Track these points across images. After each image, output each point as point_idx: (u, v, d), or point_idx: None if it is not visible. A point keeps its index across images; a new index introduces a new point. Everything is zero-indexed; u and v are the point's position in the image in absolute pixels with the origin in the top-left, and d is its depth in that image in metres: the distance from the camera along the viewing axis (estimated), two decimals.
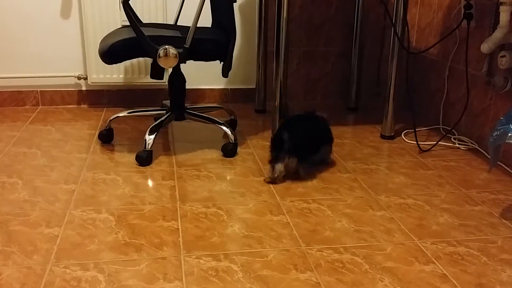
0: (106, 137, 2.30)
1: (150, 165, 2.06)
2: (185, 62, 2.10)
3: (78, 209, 1.69)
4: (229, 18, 2.10)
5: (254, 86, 2.91)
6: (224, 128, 2.21)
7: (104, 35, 2.22)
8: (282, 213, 1.71)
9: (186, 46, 2.02)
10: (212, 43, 2.10)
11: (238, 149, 2.24)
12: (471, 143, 2.33)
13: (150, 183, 1.91)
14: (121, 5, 1.94)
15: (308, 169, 1.99)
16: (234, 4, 2.11)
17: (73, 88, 2.81)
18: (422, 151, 2.27)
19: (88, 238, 1.52)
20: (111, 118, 2.29)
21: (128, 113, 2.31)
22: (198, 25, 2.04)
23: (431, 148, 2.28)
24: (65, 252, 1.45)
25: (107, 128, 2.29)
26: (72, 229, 1.57)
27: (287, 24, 2.22)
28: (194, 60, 2.13)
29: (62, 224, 1.60)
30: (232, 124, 2.47)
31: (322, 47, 2.95)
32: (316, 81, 3.01)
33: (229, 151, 2.17)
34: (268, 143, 2.33)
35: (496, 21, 2.02)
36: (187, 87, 2.27)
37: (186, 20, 2.49)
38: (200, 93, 2.92)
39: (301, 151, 1.92)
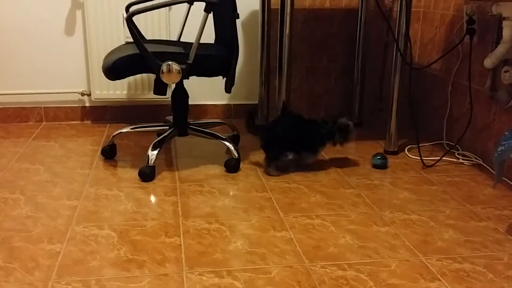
0: (109, 153, 2.29)
1: (153, 181, 2.06)
2: (188, 78, 2.10)
3: (80, 225, 1.69)
4: (232, 34, 2.11)
5: (257, 102, 2.92)
6: (227, 143, 2.21)
7: (108, 52, 2.23)
8: (285, 229, 1.69)
9: (189, 62, 2.03)
10: (215, 59, 2.11)
11: (241, 165, 2.24)
12: (475, 158, 2.32)
13: (152, 198, 1.90)
14: (125, 21, 1.95)
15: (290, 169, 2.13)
16: (237, 20, 2.12)
17: (76, 104, 2.81)
18: (426, 166, 2.25)
19: (90, 255, 1.51)
20: (114, 134, 2.29)
21: (131, 128, 2.31)
22: (201, 41, 2.05)
23: (435, 163, 2.27)
24: (67, 268, 1.44)
25: (110, 143, 2.29)
26: (74, 245, 1.56)
27: (290, 40, 2.23)
28: (197, 76, 2.13)
29: (64, 240, 1.59)
30: (235, 140, 2.47)
31: (324, 63, 2.96)
32: (319, 96, 3.01)
33: (232, 166, 2.17)
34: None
35: (499, 36, 2.02)
36: (190, 102, 2.28)
37: (189, 36, 2.51)
38: (203, 109, 2.92)
39: (272, 150, 2.12)
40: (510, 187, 2.05)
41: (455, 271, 1.46)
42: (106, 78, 2.09)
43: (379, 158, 2.22)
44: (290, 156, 2.11)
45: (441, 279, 1.43)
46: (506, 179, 2.11)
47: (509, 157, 1.55)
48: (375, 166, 2.23)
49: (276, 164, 2.12)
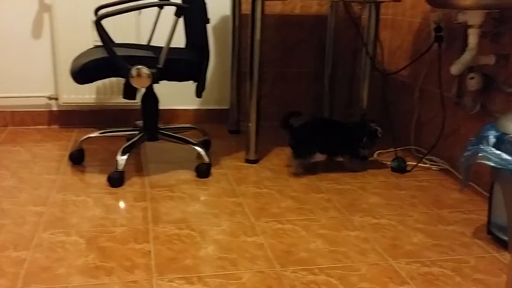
0: (77, 158, 2.25)
1: (122, 186, 2.03)
2: (158, 82, 2.09)
3: (47, 232, 1.64)
4: (203, 38, 2.10)
5: (228, 107, 2.91)
6: (198, 148, 2.20)
7: (76, 55, 2.20)
8: (256, 234, 1.69)
9: (159, 66, 2.01)
10: (185, 63, 2.10)
11: (212, 170, 2.22)
12: (443, 163, 2.37)
13: (121, 204, 1.87)
14: (94, 25, 1.93)
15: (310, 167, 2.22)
16: (208, 25, 2.11)
17: (44, 108, 2.76)
18: (403, 172, 2.28)
19: (57, 262, 1.47)
20: (82, 138, 2.25)
21: (99, 133, 2.27)
22: (171, 46, 2.03)
23: (411, 169, 2.30)
24: (33, 276, 1.40)
25: (78, 149, 2.25)
26: (41, 252, 1.52)
27: (261, 45, 2.23)
28: (168, 80, 2.12)
29: (30, 247, 1.54)
30: (205, 145, 2.45)
31: (295, 68, 2.98)
32: (289, 102, 3.02)
33: (202, 171, 2.15)
34: (242, 164, 2.33)
35: (465, 44, 2.07)
36: (160, 107, 2.25)
37: (159, 40, 2.48)
38: (173, 114, 2.90)
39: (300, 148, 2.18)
40: (476, 192, 2.10)
41: (424, 275, 1.48)
42: (74, 82, 2.05)
43: (396, 162, 2.30)
44: (318, 157, 2.18)
45: (410, 282, 1.44)
46: (472, 184, 2.15)
47: (475, 162, 1.59)
48: (393, 170, 2.30)
49: (302, 163, 2.18)
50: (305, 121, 2.23)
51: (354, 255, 1.58)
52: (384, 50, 2.86)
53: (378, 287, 1.42)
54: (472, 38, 1.97)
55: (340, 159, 2.28)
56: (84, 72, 1.99)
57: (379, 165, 2.36)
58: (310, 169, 2.23)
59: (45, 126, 2.78)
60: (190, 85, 2.82)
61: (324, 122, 2.32)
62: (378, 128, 2.24)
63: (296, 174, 2.19)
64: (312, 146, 2.18)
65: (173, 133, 2.28)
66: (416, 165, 2.34)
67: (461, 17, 2.01)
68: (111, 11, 1.91)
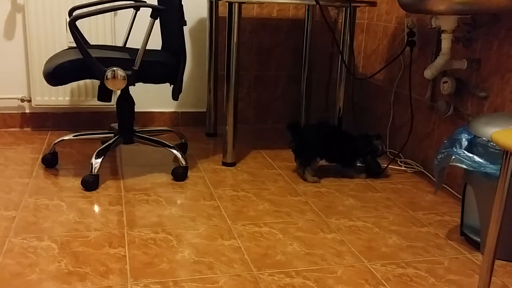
0: (50, 161, 2.21)
1: (97, 190, 2.00)
2: (134, 85, 2.06)
3: (18, 237, 1.61)
4: (179, 41, 2.09)
5: (204, 110, 2.90)
6: (174, 151, 2.18)
7: (50, 56, 2.16)
8: (233, 237, 1.68)
9: (135, 68, 1.99)
10: (161, 65, 2.08)
11: (189, 173, 2.21)
12: (417, 166, 2.40)
13: (96, 208, 1.84)
14: (68, 25, 1.90)
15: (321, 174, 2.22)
16: (184, 27, 2.10)
17: (16, 110, 2.70)
18: (376, 174, 2.30)
19: (29, 267, 1.44)
20: (56, 141, 2.21)
21: (73, 136, 2.24)
22: (147, 48, 2.01)
23: (382, 171, 2.32)
24: (4, 282, 1.37)
25: (51, 151, 2.21)
26: (12, 257, 1.49)
27: (238, 48, 2.23)
28: (143, 82, 2.10)
29: (1, 253, 1.51)
30: (182, 148, 2.44)
31: (272, 72, 2.99)
32: (267, 105, 3.03)
33: (179, 175, 2.14)
34: (219, 167, 2.32)
35: (438, 48, 2.10)
36: (136, 110, 2.23)
37: (135, 42, 2.46)
38: (149, 116, 2.87)
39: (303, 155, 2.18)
40: (449, 194, 2.13)
41: (399, 276, 1.50)
42: (48, 84, 2.02)
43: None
44: (321, 162, 2.20)
45: (385, 284, 1.46)
46: (446, 186, 2.19)
47: (448, 164, 1.61)
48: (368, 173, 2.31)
49: (310, 170, 2.18)
50: (308, 125, 2.23)
51: (330, 258, 1.58)
52: (360, 54, 2.89)
53: None
54: (445, 43, 2.00)
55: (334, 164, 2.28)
56: (57, 73, 1.96)
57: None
58: (321, 173, 2.24)
59: (17, 129, 2.72)
60: (167, 88, 2.81)
61: (327, 128, 2.28)
62: (380, 147, 2.24)
63: (314, 181, 2.18)
64: (313, 152, 2.18)
65: (149, 136, 2.26)
66: (387, 166, 2.36)
67: (435, 22, 2.04)
68: (86, 12, 1.89)
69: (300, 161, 2.22)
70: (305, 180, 2.19)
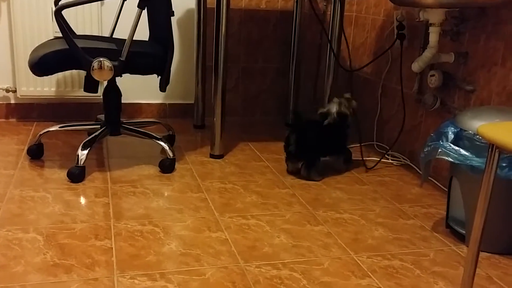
0: (36, 153, 2.19)
1: (83, 182, 1.98)
2: (121, 76, 2.05)
3: (3, 229, 1.59)
4: (167, 31, 2.07)
5: (192, 101, 2.89)
6: (162, 143, 2.17)
7: (35, 46, 2.13)
8: (220, 229, 1.68)
9: (121, 59, 1.98)
10: (149, 56, 2.06)
11: (176, 165, 2.20)
12: (403, 158, 2.41)
13: (82, 200, 1.83)
14: (54, 15, 1.87)
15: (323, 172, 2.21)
16: (172, 18, 2.08)
17: (1, 101, 2.67)
18: (367, 169, 2.30)
19: (14, 260, 1.43)
20: (41, 132, 2.19)
21: (59, 127, 2.22)
22: (134, 38, 2.00)
23: (374, 166, 2.33)
24: None
25: (37, 143, 2.19)
26: None
27: (226, 39, 2.22)
28: (131, 73, 2.08)
29: None
30: (170, 140, 2.43)
31: (260, 63, 2.98)
32: (255, 97, 3.02)
33: (166, 167, 2.13)
34: (206, 159, 2.31)
35: (426, 41, 2.11)
36: (123, 101, 2.21)
37: (122, 33, 2.43)
38: (137, 108, 2.85)
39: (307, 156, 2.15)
40: (435, 186, 2.15)
41: (385, 268, 1.51)
42: (33, 74, 1.99)
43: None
44: (324, 159, 2.21)
45: (371, 276, 1.47)
46: (431, 179, 2.20)
47: (435, 157, 1.62)
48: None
49: (315, 170, 2.15)
50: (300, 126, 2.17)
51: (317, 250, 1.59)
52: (348, 47, 2.89)
53: (341, 280, 1.43)
54: (433, 36, 2.01)
55: (327, 158, 2.26)
56: (42, 64, 1.93)
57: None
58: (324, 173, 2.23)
59: (2, 120, 2.69)
60: (154, 79, 2.78)
61: (316, 125, 2.21)
62: (345, 111, 2.21)
63: (320, 180, 2.16)
64: (317, 152, 2.18)
65: (137, 127, 2.24)
66: (379, 161, 2.38)
67: (423, 15, 2.04)
68: (72, 1, 1.87)
69: (305, 163, 2.14)
70: (310, 180, 2.14)
